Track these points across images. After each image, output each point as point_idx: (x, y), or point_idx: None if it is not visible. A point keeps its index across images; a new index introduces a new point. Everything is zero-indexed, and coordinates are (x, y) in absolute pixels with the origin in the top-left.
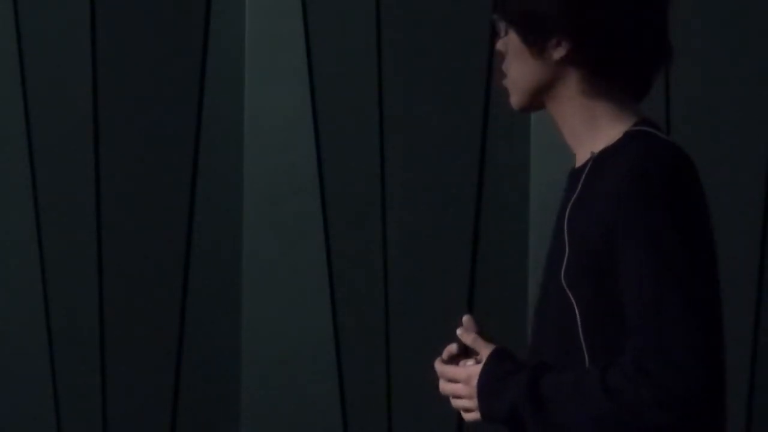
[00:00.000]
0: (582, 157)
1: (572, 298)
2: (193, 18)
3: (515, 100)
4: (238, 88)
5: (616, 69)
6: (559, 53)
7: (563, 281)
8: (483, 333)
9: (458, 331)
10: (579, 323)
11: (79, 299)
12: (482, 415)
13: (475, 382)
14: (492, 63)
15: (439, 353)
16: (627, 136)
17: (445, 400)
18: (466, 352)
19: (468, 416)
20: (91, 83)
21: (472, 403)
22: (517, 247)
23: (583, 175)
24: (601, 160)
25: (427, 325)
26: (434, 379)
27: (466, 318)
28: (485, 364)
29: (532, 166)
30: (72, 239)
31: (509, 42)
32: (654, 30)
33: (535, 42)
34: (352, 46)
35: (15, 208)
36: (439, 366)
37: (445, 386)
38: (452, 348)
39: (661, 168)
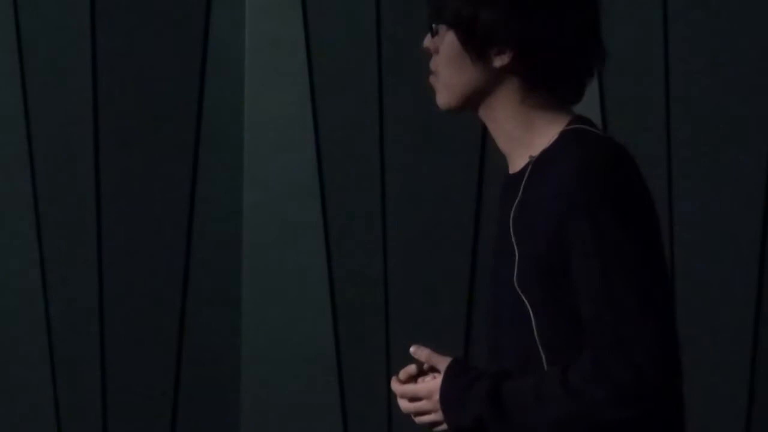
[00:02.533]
0: (517, 162)
1: (526, 302)
2: (193, 18)
3: (444, 101)
4: (238, 88)
5: (556, 77)
6: (500, 61)
7: (516, 286)
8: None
9: (411, 349)
10: (534, 325)
11: (79, 299)
12: (450, 426)
13: (437, 396)
14: None
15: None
16: (563, 136)
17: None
18: (422, 371)
19: (437, 429)
20: (91, 83)
21: (438, 416)
22: None
23: (524, 179)
24: (539, 162)
25: (426, 325)
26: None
27: (413, 347)
28: (444, 377)
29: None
30: (72, 239)
31: (444, 43)
32: (592, 36)
33: (476, 48)
34: (352, 46)
35: (15, 208)
36: (397, 386)
37: (407, 405)
38: (411, 368)
39: (602, 164)
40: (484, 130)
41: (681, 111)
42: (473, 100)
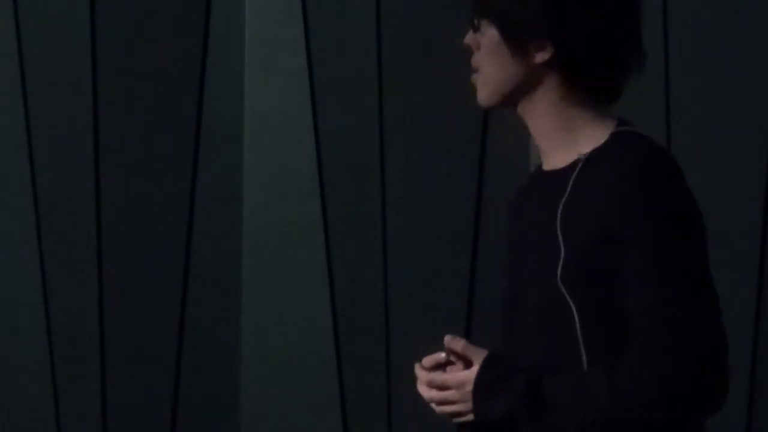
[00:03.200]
0: (556, 158)
1: (569, 300)
2: (193, 18)
3: (485, 97)
4: (238, 88)
5: (596, 74)
6: (541, 57)
7: (560, 282)
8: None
9: (446, 339)
10: (578, 325)
11: (79, 299)
12: (477, 417)
13: (469, 387)
14: None
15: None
16: (616, 137)
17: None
18: (449, 361)
19: (458, 420)
20: (91, 83)
21: (465, 406)
22: None
23: (573, 176)
24: (590, 161)
25: (426, 325)
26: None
27: (448, 337)
28: (480, 369)
29: (532, 166)
30: (72, 239)
31: (486, 39)
32: (632, 36)
33: (518, 43)
34: (352, 46)
35: (15, 208)
36: (423, 373)
37: (432, 393)
38: (439, 356)
39: (657, 168)
40: (484, 129)
41: (681, 110)
42: (513, 96)
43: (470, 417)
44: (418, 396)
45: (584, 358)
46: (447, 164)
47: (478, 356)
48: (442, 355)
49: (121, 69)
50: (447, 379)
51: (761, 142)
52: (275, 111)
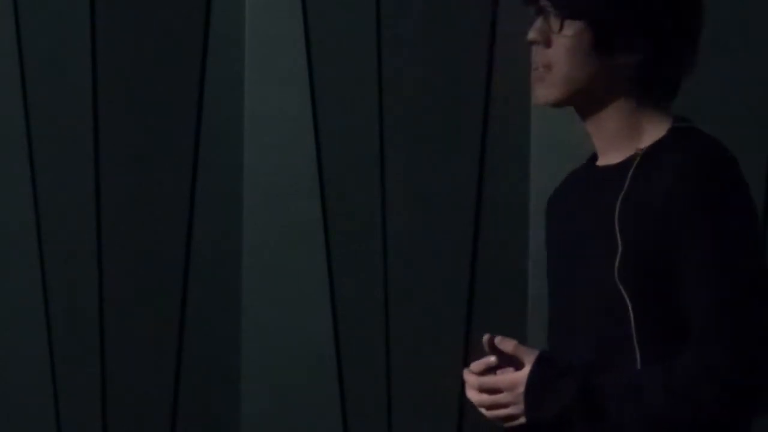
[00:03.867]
0: (611, 154)
1: (626, 296)
2: (193, 18)
3: (553, 95)
4: (238, 88)
5: (670, 76)
6: (625, 58)
7: (616, 278)
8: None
9: (497, 340)
10: (632, 321)
11: (79, 299)
12: (530, 420)
13: (521, 389)
14: (492, 63)
15: (439, 353)
16: (675, 133)
17: (444, 404)
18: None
19: (509, 424)
20: (90, 83)
21: (517, 409)
22: (517, 247)
23: (630, 171)
24: (649, 156)
25: (427, 325)
26: (435, 382)
27: (498, 338)
28: (532, 370)
29: (532, 166)
30: (72, 239)
31: (567, 38)
32: (699, 33)
33: (607, 44)
34: (352, 47)
35: (15, 208)
36: (473, 378)
37: (481, 397)
38: (490, 360)
39: (718, 164)
40: (484, 129)
41: (681, 109)
42: (583, 94)
43: (522, 420)
44: (418, 395)
45: (638, 355)
46: (447, 164)
47: (529, 357)
48: (492, 358)
49: (121, 69)
50: (498, 381)
51: (761, 142)
52: (275, 111)
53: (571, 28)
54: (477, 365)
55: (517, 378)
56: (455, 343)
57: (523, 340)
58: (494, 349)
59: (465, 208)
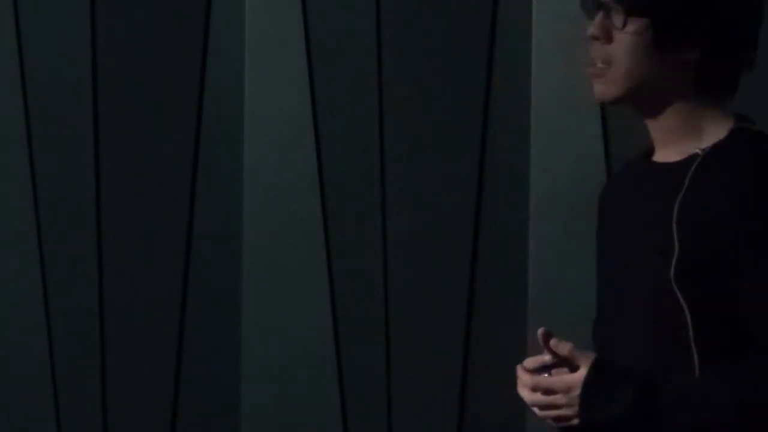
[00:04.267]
0: (670, 152)
1: (682, 299)
2: (193, 18)
3: (612, 92)
4: (238, 88)
5: (731, 74)
6: (688, 55)
7: (673, 282)
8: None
9: (552, 343)
10: (690, 325)
11: (79, 299)
12: (584, 422)
13: (576, 391)
14: (492, 63)
15: (439, 353)
16: (735, 135)
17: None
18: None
19: (562, 424)
20: (90, 83)
21: (571, 411)
22: (517, 247)
23: (690, 173)
24: (709, 158)
25: (427, 325)
26: (435, 382)
27: (554, 340)
28: (589, 373)
29: (532, 166)
30: (72, 239)
31: (628, 34)
32: (758, 31)
33: (669, 41)
34: (352, 46)
35: (15, 208)
36: (527, 377)
37: (535, 397)
38: (545, 359)
39: None
40: (484, 129)
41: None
42: (643, 92)
43: (575, 422)
44: (418, 395)
45: (696, 359)
46: (447, 164)
47: (586, 360)
48: (547, 357)
49: (121, 69)
50: (553, 382)
51: None
52: (275, 111)
53: (634, 24)
54: (531, 362)
55: (573, 380)
56: (455, 343)
57: (523, 340)
58: (548, 344)
59: (465, 208)
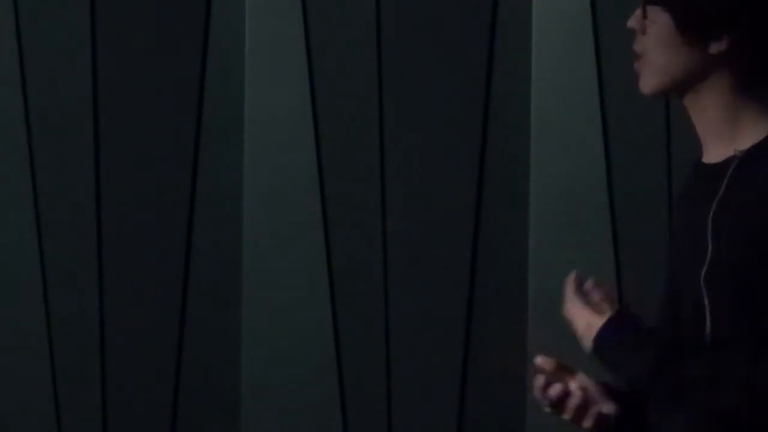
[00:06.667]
0: (713, 151)
1: (706, 302)
2: (193, 18)
3: (651, 85)
4: (238, 88)
5: (765, 66)
6: (717, 47)
7: (702, 283)
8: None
9: (588, 283)
10: (708, 328)
11: (79, 299)
12: (593, 353)
13: (593, 332)
14: (492, 63)
15: (439, 353)
16: None
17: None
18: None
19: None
20: (90, 83)
21: (587, 336)
22: (517, 246)
23: (727, 174)
24: (747, 159)
25: (427, 325)
26: (435, 382)
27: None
28: (607, 322)
29: (532, 166)
30: (72, 239)
31: (657, 24)
32: None
33: (693, 33)
34: (352, 46)
35: (15, 209)
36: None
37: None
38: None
39: None
40: (484, 129)
41: (680, 109)
42: (682, 85)
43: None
44: (418, 395)
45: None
46: (447, 164)
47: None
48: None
49: (121, 69)
50: (578, 312)
51: None
52: (275, 111)
53: (658, 15)
54: (544, 362)
55: (592, 319)
56: (455, 343)
57: (523, 340)
58: (581, 285)
59: (465, 208)
